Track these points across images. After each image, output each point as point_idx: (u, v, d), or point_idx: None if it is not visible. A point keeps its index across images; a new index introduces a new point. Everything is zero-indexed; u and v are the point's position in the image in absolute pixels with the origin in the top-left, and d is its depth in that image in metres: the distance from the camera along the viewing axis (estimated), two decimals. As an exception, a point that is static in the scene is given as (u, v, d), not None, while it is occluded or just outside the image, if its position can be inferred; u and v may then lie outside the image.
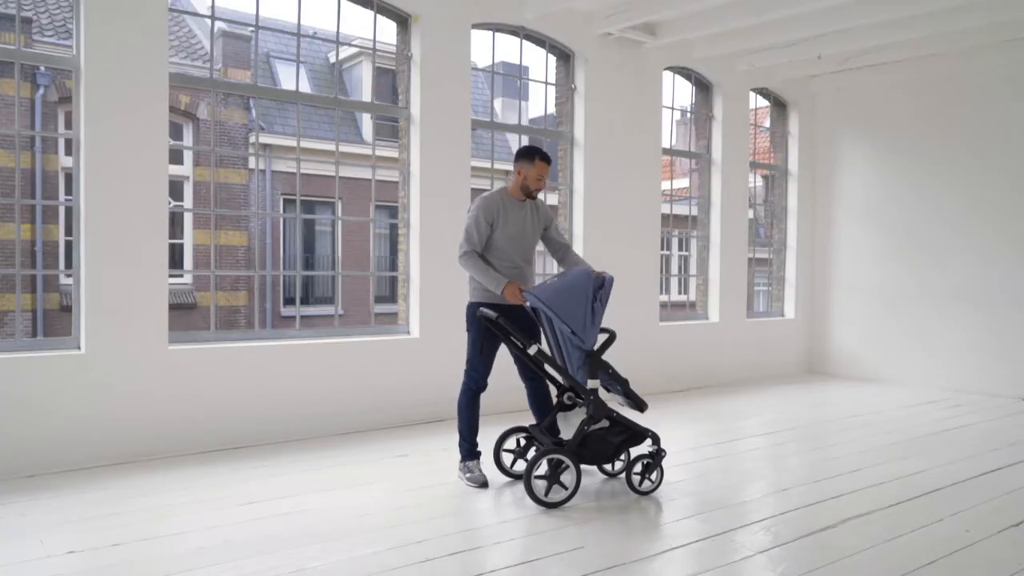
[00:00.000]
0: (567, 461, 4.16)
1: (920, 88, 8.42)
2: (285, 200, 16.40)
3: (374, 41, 6.42)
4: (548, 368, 4.56)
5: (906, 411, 7.05)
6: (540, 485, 4.15)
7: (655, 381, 7.52)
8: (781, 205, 9.50)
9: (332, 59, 18.29)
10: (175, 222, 14.42)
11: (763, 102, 9.42)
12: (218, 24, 14.46)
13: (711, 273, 8.63)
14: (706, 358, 8.34)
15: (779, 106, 9.40)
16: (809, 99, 9.40)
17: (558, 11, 6.85)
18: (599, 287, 4.27)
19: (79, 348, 4.87)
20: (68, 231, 9.80)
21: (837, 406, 7.34)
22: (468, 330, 4.50)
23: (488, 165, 7.85)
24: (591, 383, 4.25)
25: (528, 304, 4.44)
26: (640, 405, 4.39)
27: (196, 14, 12.09)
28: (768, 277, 9.75)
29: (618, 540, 3.69)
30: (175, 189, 14.69)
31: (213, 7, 5.67)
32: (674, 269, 16.87)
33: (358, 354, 5.94)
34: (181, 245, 14.88)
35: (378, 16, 6.26)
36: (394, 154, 7.90)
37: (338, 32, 6.34)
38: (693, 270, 8.85)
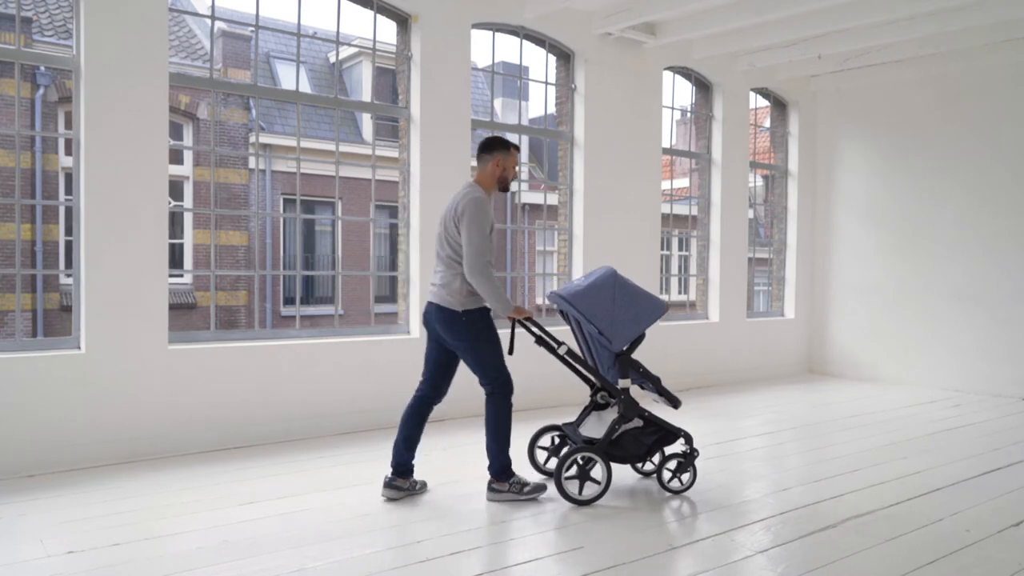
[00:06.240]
0: (598, 459, 4.18)
1: (920, 88, 8.42)
2: (285, 200, 16.41)
3: (374, 41, 6.42)
4: (580, 368, 4.54)
5: (906, 411, 7.05)
6: (571, 483, 4.18)
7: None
8: (781, 205, 9.50)
9: (332, 59, 18.30)
10: (175, 222, 14.43)
11: (763, 102, 9.42)
12: (218, 24, 14.48)
13: (711, 273, 8.63)
14: (706, 358, 8.34)
15: (779, 106, 9.40)
16: (809, 99, 9.40)
17: (558, 11, 6.86)
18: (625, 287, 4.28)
19: (79, 348, 4.87)
20: (68, 231, 9.82)
21: (837, 406, 7.33)
22: (477, 339, 4.14)
23: (488, 165, 7.81)
24: (622, 382, 4.26)
25: (556, 307, 4.44)
26: (674, 402, 4.41)
27: (196, 14, 12.06)
28: (768, 277, 9.75)
29: (618, 540, 3.69)
30: (175, 189, 14.69)
31: (213, 7, 5.67)
32: (674, 269, 16.89)
33: (358, 354, 5.95)
34: (181, 245, 14.89)
35: (378, 16, 6.26)
36: (394, 154, 7.91)
37: (338, 32, 6.34)
38: (693, 270, 8.85)
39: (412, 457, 4.34)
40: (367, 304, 16.89)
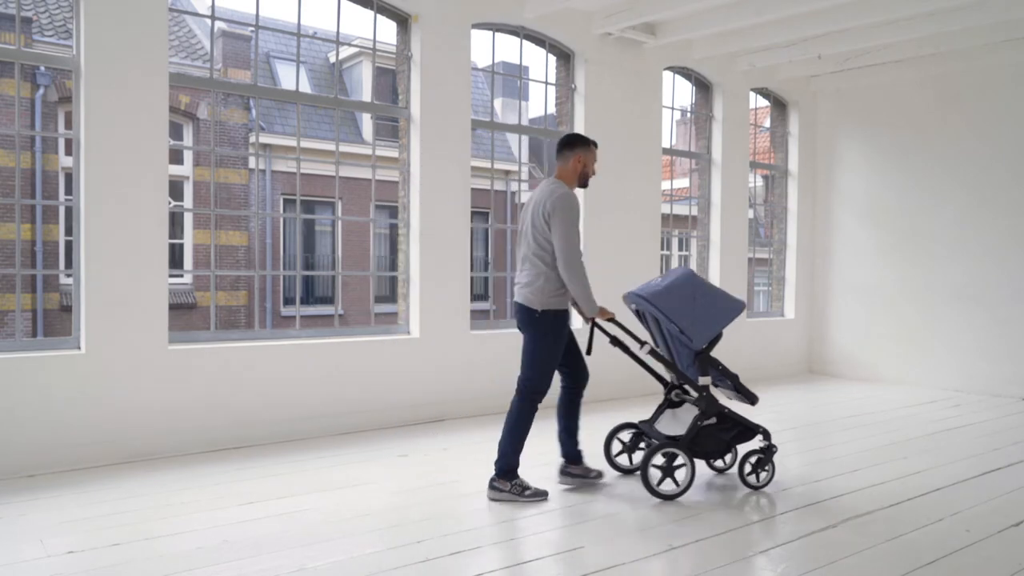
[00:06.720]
0: (682, 455, 4.27)
1: (920, 88, 8.42)
2: (285, 200, 16.41)
3: (374, 41, 6.42)
4: (653, 367, 4.65)
5: (906, 411, 7.05)
6: (656, 477, 4.26)
7: (655, 381, 7.52)
8: (781, 205, 9.50)
9: (332, 59, 18.29)
10: (175, 222, 14.43)
11: (763, 102, 9.42)
12: (218, 24, 14.47)
13: (711, 273, 8.62)
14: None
15: (779, 106, 9.40)
16: (809, 99, 9.40)
17: (558, 11, 6.85)
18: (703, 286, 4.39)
19: (79, 348, 4.87)
20: (68, 231, 9.82)
21: (837, 406, 7.33)
22: (543, 338, 4.18)
23: (488, 165, 7.85)
24: (702, 380, 4.34)
25: (634, 307, 4.50)
26: (751, 399, 4.48)
27: (196, 14, 12.09)
28: (768, 277, 9.75)
29: (618, 540, 3.69)
30: (175, 189, 14.69)
31: (213, 7, 5.67)
32: (674, 269, 16.85)
33: (358, 354, 5.94)
34: (181, 245, 14.89)
35: (378, 16, 6.26)
36: (394, 154, 7.91)
37: (338, 32, 6.34)
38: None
39: (576, 444, 4.47)
40: (367, 304, 16.89)
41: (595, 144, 4.41)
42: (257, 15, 5.90)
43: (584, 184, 4.39)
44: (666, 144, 8.34)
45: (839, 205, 9.25)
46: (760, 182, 14.88)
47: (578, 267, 4.10)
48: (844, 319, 9.18)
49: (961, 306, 8.14)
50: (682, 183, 17.49)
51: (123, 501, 4.10)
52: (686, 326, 4.25)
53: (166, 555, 3.38)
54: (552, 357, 4.23)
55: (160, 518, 3.85)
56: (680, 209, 10.85)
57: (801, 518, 4.03)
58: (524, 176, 19.48)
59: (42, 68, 13.02)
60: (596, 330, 4.39)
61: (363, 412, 5.89)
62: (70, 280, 5.40)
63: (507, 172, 19.02)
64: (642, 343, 4.33)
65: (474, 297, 6.83)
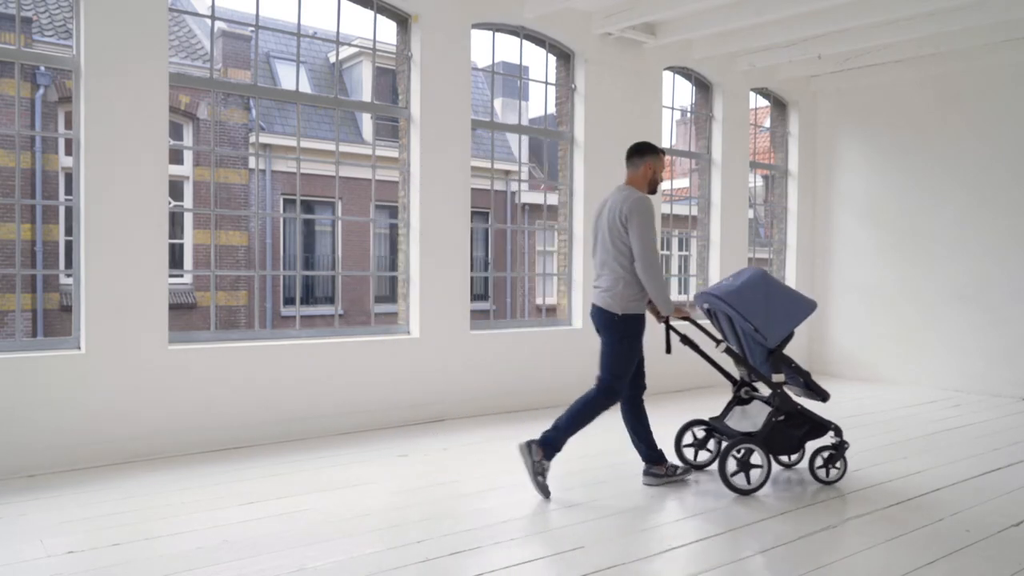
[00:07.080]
0: (757, 450, 4.36)
1: (920, 88, 8.42)
2: (285, 200, 16.41)
3: (374, 41, 6.42)
4: (724, 364, 4.76)
5: (906, 411, 7.05)
6: (735, 474, 4.35)
7: (654, 381, 7.51)
8: (781, 205, 9.50)
9: (332, 59, 18.30)
10: (175, 222, 14.43)
11: (763, 102, 9.42)
12: (218, 24, 14.47)
13: (711, 273, 8.62)
14: (706, 358, 8.33)
15: (779, 106, 9.40)
16: (809, 99, 9.40)
17: (558, 11, 6.86)
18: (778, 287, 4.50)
19: (79, 348, 4.87)
20: (68, 231, 9.83)
21: (837, 406, 7.30)
22: (622, 341, 4.29)
23: (488, 165, 7.85)
24: (775, 377, 4.42)
25: (707, 306, 4.59)
26: (822, 396, 4.57)
27: (196, 14, 12.10)
28: (768, 277, 9.76)
29: (618, 540, 3.69)
30: (175, 189, 14.69)
31: (213, 7, 5.67)
32: (674, 269, 16.87)
33: (358, 354, 5.94)
34: (181, 245, 14.89)
35: (378, 16, 6.26)
36: (394, 154, 7.91)
37: (338, 32, 6.34)
38: (693, 270, 8.85)
39: (652, 445, 4.53)
40: (367, 304, 16.89)
41: (663, 152, 4.53)
42: (257, 15, 5.90)
43: (653, 190, 4.50)
44: (666, 144, 8.34)
45: (839, 205, 9.25)
46: (760, 182, 14.88)
47: (655, 267, 4.21)
48: (844, 319, 9.18)
49: (961, 306, 8.14)
50: (682, 183, 17.49)
51: (123, 501, 4.10)
52: (760, 324, 4.34)
53: (166, 555, 3.38)
54: (631, 359, 4.34)
55: (160, 518, 3.85)
56: (680, 209, 10.85)
57: (801, 518, 4.03)
58: (524, 176, 19.49)
59: (42, 68, 13.02)
60: (671, 330, 4.51)
61: (363, 412, 5.89)
62: (70, 280, 5.41)
63: (507, 172, 19.02)
64: (718, 341, 4.47)
65: (474, 297, 6.83)
